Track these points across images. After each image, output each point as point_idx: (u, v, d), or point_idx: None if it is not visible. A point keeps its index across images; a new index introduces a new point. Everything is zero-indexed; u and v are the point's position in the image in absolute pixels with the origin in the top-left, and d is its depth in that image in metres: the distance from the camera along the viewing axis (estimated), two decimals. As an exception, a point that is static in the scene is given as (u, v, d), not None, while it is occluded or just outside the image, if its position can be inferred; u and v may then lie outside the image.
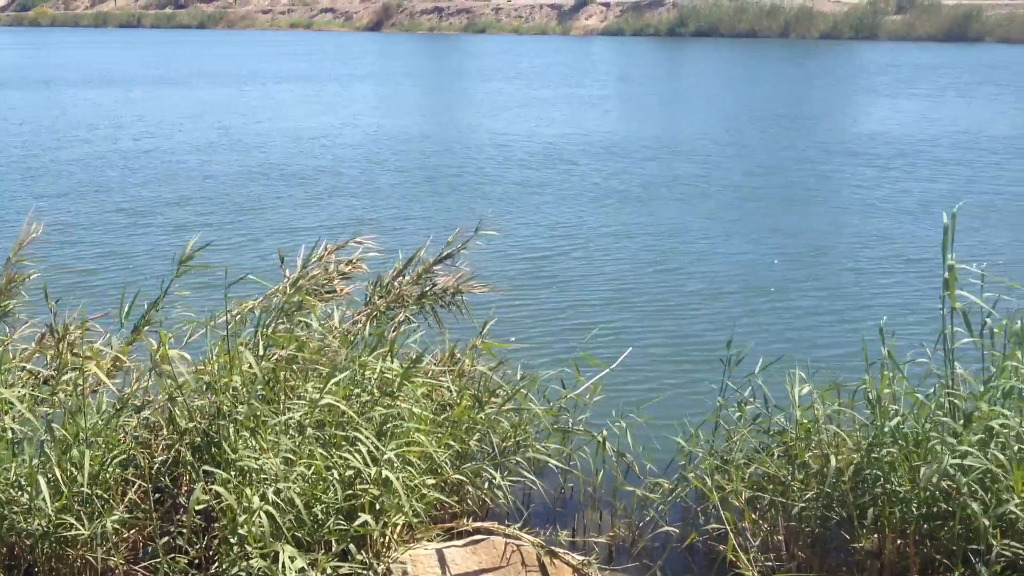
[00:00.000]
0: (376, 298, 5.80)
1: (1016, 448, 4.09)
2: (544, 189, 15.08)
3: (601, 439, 5.13)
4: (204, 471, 4.08)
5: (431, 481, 4.40)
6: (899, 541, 4.28)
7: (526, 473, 4.82)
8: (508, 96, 29.82)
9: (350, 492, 4.17)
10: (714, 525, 4.61)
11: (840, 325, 8.59)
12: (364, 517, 4.03)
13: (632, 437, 5.29)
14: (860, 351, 4.68)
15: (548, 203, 14.03)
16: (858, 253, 11.22)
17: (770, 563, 4.53)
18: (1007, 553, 3.94)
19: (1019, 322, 4.49)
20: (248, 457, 4.00)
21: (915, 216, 13.04)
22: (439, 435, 4.63)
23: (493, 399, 5.08)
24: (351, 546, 4.08)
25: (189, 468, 4.32)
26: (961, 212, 4.79)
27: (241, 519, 3.83)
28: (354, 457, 4.09)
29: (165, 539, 4.08)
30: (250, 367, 4.30)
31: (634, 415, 5.40)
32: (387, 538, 4.19)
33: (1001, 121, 22.92)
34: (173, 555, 4.06)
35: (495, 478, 4.66)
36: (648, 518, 4.92)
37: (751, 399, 5.00)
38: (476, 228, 5.93)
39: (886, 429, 4.26)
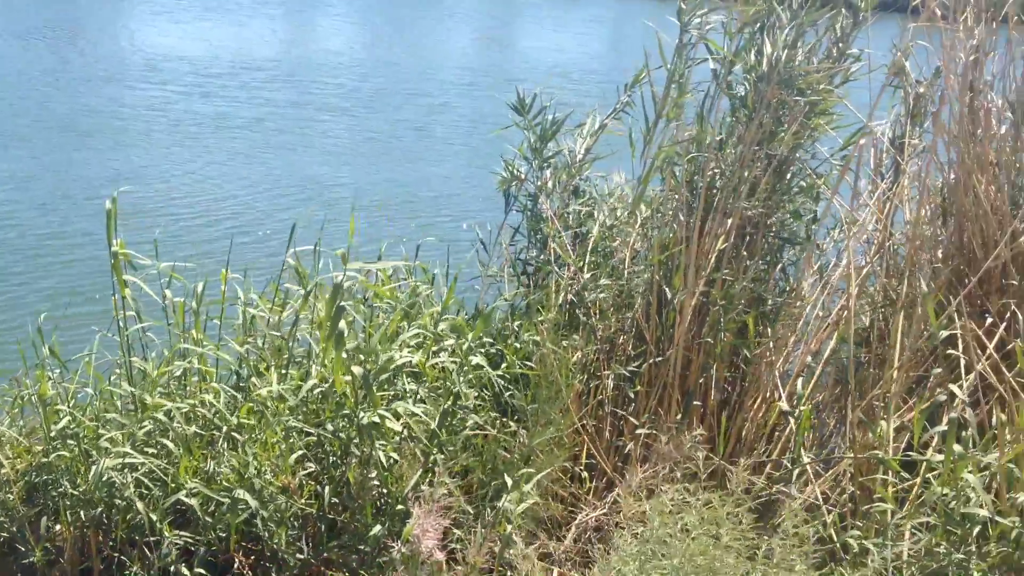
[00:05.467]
0: None
1: (193, 431, 4.12)
2: None
3: None
4: None
5: None
6: (81, 542, 4.11)
7: None
8: None
9: None
10: None
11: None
12: None
13: None
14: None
15: None
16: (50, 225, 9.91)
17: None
18: (179, 542, 3.97)
19: (194, 303, 4.48)
20: None
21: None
22: None
23: None
24: None
25: None
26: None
27: None
28: None
29: None
30: None
31: None
32: None
33: (270, 43, 23.53)
34: None
35: None
36: None
37: None
38: None
39: (52, 433, 4.02)
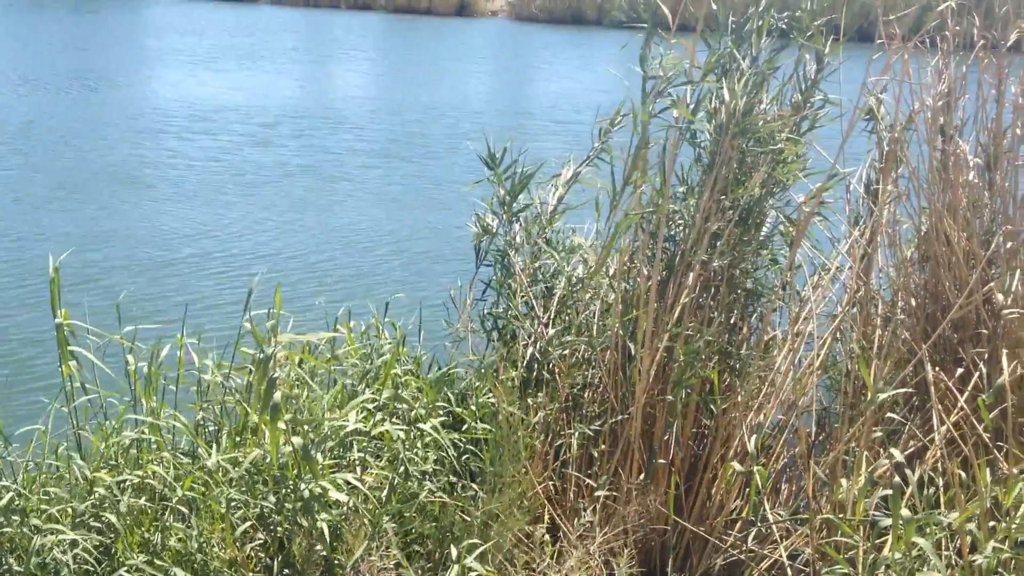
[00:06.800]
0: None
1: (142, 502, 4.03)
2: None
3: None
4: None
5: None
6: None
7: None
8: None
9: None
10: None
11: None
12: None
13: None
14: None
15: None
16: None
17: None
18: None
19: (145, 364, 4.39)
20: None
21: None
22: None
23: None
24: None
25: None
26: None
27: None
28: None
29: None
30: None
31: None
32: None
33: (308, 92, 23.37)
34: None
35: None
36: None
37: None
38: None
39: (-6, 510, 3.95)
